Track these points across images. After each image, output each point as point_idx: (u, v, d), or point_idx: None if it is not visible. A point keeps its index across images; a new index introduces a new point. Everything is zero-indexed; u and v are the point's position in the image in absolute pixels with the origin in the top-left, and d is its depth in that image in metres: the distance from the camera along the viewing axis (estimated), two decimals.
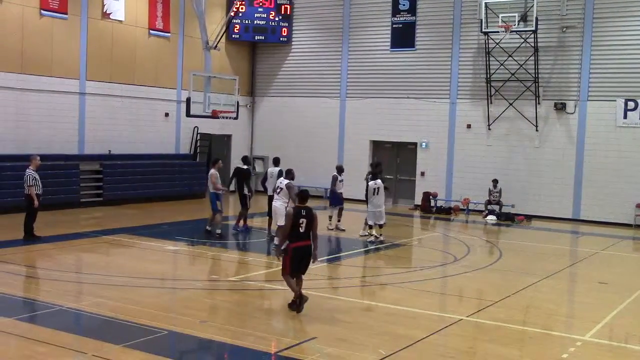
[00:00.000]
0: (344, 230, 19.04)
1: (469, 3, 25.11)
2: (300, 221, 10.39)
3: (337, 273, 14.31)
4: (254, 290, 12.04)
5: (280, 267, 10.77)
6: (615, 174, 22.50)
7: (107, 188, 23.04)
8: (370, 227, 17.67)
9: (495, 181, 23.90)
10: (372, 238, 17.42)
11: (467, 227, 22.06)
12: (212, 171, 17.57)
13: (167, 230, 18.27)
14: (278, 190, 15.78)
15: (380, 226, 17.60)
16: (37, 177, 15.75)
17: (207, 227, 17.55)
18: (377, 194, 17.45)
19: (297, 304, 10.41)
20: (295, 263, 10.51)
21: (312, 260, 10.68)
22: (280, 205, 15.48)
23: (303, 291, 10.54)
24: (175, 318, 9.95)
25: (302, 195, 10.77)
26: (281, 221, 14.20)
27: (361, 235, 18.03)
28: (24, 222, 15.81)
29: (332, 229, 19.02)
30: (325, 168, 26.37)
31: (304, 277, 10.77)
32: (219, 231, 17.28)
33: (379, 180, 17.64)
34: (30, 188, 15.55)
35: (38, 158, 16.19)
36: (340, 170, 19.86)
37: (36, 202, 15.56)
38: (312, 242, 10.56)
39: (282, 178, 16.09)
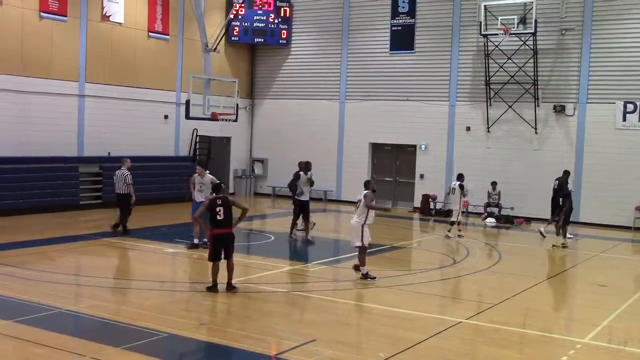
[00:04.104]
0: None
1: (468, 5, 25.13)
2: (217, 209, 11.38)
3: (337, 275, 14.29)
4: (254, 292, 12.02)
5: None
6: (614, 177, 22.49)
7: (106, 190, 22.99)
8: (452, 223, 19.47)
9: (494, 183, 23.90)
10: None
11: (466, 230, 22.04)
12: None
13: (166, 232, 18.24)
14: (358, 205, 13.31)
15: (452, 223, 19.41)
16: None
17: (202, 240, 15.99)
18: (453, 193, 19.51)
19: (212, 287, 11.54)
20: (217, 249, 11.51)
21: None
22: (355, 223, 13.20)
23: (233, 281, 11.66)
24: (175, 320, 9.93)
25: (215, 187, 12.18)
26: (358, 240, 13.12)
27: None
28: (121, 218, 17.30)
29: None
30: (324, 171, 26.39)
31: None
32: (196, 240, 15.98)
33: (456, 181, 19.69)
34: (129, 186, 17.20)
35: (129, 160, 17.92)
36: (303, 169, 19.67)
37: (134, 199, 17.27)
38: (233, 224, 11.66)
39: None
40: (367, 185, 13.56)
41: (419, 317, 10.71)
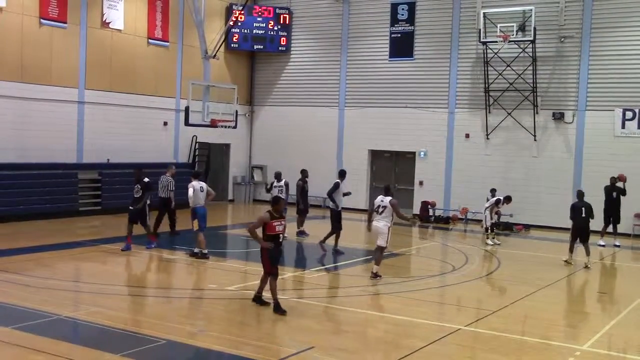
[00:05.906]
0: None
1: (467, 13, 25.20)
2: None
3: (336, 282, 14.29)
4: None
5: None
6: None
7: (105, 197, 23.03)
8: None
9: (493, 190, 23.85)
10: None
11: (465, 237, 22.07)
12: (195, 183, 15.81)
13: (165, 239, 18.22)
14: (381, 210, 13.89)
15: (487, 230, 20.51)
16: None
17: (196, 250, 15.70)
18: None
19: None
20: None
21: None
22: (383, 225, 13.91)
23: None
24: (174, 327, 9.92)
25: (272, 199, 11.39)
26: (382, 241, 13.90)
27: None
28: (169, 221, 18.13)
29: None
30: (324, 177, 26.35)
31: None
32: (205, 251, 15.56)
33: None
34: (171, 193, 17.91)
35: (174, 167, 18.62)
36: (275, 176, 19.84)
37: (173, 204, 18.02)
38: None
39: (381, 197, 14.12)
40: (388, 190, 14.27)
41: (418, 324, 10.70)
